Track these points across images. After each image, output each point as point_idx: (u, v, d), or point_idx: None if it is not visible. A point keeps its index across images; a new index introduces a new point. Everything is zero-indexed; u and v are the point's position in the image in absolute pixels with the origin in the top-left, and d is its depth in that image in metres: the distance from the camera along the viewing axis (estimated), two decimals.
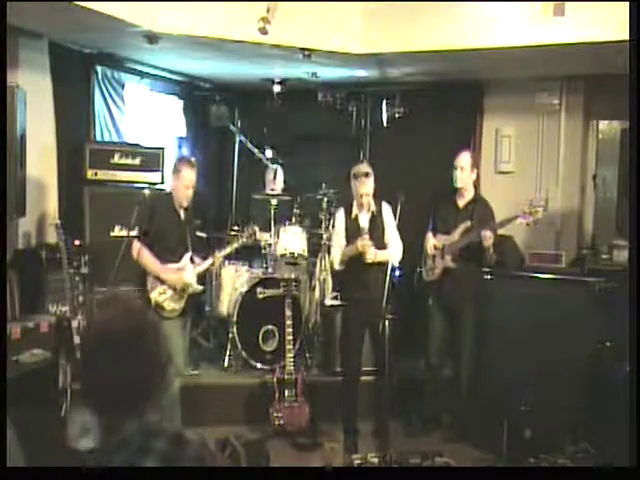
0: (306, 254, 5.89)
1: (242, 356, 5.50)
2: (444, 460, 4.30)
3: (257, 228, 4.90)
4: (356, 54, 5.38)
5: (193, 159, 4.70)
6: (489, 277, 4.91)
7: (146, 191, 4.66)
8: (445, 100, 6.57)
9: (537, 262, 5.21)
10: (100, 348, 1.46)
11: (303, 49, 5.27)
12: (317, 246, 6.00)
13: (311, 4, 5.14)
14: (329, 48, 5.30)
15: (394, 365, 4.54)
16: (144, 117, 6.63)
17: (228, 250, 4.77)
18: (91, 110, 5.92)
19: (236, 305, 5.52)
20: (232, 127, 6.67)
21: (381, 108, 6.89)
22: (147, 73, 6.54)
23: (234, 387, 5.34)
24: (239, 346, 5.49)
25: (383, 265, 4.49)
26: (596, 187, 6.31)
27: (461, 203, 5.00)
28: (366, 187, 4.63)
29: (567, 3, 4.62)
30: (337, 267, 4.83)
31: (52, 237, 4.97)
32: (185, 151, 7.15)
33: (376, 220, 4.68)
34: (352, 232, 4.68)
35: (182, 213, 4.55)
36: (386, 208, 4.77)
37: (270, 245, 5.82)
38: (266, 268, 5.84)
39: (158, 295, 4.36)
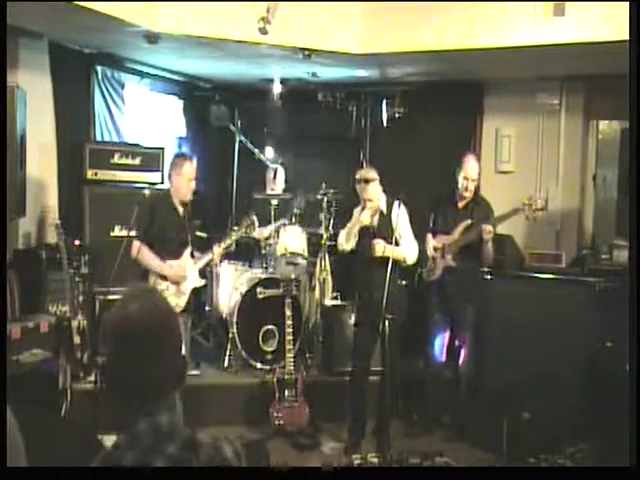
0: (306, 254, 5.89)
1: (242, 356, 5.50)
2: (444, 460, 4.31)
3: (255, 217, 4.89)
4: (356, 54, 5.38)
5: (189, 154, 4.72)
6: (489, 277, 4.91)
7: (146, 191, 4.66)
8: (445, 100, 6.57)
9: (537, 262, 5.21)
10: (128, 343, 1.43)
11: (303, 49, 5.27)
12: (317, 246, 6.00)
13: (311, 4, 5.14)
14: (329, 48, 5.30)
15: (395, 365, 4.54)
16: (144, 117, 6.63)
17: (228, 242, 4.78)
18: (91, 110, 5.93)
19: (236, 305, 5.52)
20: (232, 127, 6.67)
21: (381, 108, 6.89)
22: (147, 73, 6.55)
23: (234, 387, 5.34)
24: (239, 346, 5.48)
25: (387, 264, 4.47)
26: (596, 187, 6.31)
27: (461, 203, 5.00)
28: (368, 193, 4.61)
29: (567, 3, 4.62)
30: (343, 244, 4.78)
31: (52, 237, 4.97)
32: (188, 152, 7.14)
33: (385, 219, 4.66)
34: (362, 229, 4.67)
35: (181, 210, 4.57)
36: (398, 208, 4.64)
37: (270, 245, 5.82)
38: (266, 268, 5.84)
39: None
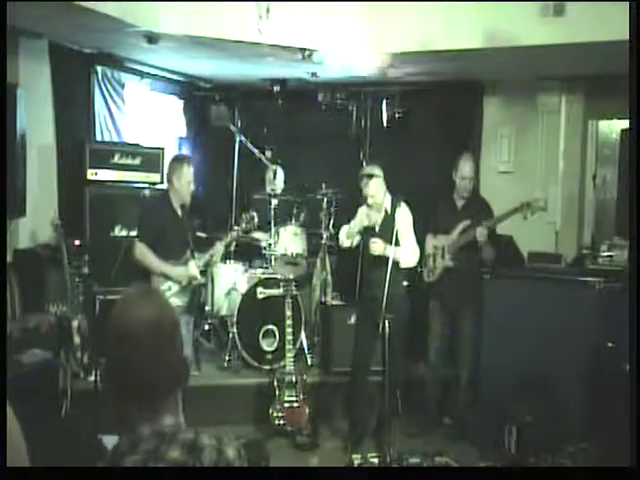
0: (306, 254, 5.89)
1: (242, 356, 5.50)
2: (444, 460, 4.31)
3: (255, 214, 4.90)
4: (357, 54, 5.37)
5: (187, 156, 4.73)
6: (489, 277, 4.91)
7: (146, 191, 4.67)
8: (445, 100, 6.58)
9: (537, 262, 5.20)
10: (131, 344, 1.41)
11: (303, 49, 5.27)
12: (317, 246, 6.00)
13: (311, 4, 5.14)
14: (329, 48, 5.29)
15: (395, 365, 4.54)
16: (144, 117, 6.62)
17: (228, 239, 4.80)
18: (91, 110, 5.92)
19: (236, 305, 5.53)
20: (232, 127, 6.67)
21: (381, 108, 6.89)
22: (147, 73, 6.54)
23: (234, 387, 5.34)
24: (239, 346, 5.49)
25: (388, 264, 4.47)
26: (596, 187, 6.30)
27: (460, 203, 5.01)
28: (369, 189, 4.61)
29: (567, 3, 4.62)
30: (343, 241, 4.80)
31: (52, 237, 4.97)
32: (185, 151, 7.15)
33: (388, 219, 4.66)
34: (365, 228, 4.68)
35: (180, 211, 4.59)
36: (400, 209, 4.62)
37: (270, 245, 5.82)
38: (266, 268, 5.84)
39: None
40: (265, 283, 5.57)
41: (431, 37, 5.07)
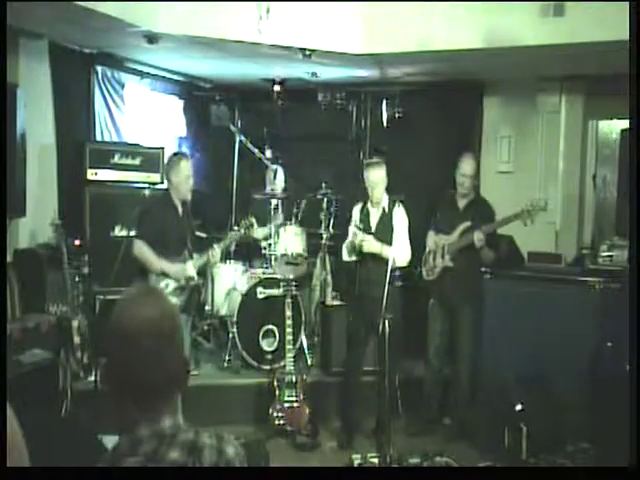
0: (306, 254, 5.89)
1: (242, 356, 5.50)
2: (444, 460, 4.31)
3: (254, 220, 4.91)
4: (356, 54, 5.37)
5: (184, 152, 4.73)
6: (489, 277, 4.91)
7: (146, 191, 4.67)
8: (445, 100, 6.57)
9: (537, 262, 5.20)
10: (131, 344, 1.40)
11: (303, 49, 5.27)
12: (317, 246, 6.00)
13: (311, 4, 5.14)
14: (329, 48, 5.30)
15: (395, 365, 4.54)
16: (144, 117, 6.62)
17: (227, 242, 4.80)
18: (91, 110, 5.92)
19: (236, 305, 5.53)
20: (232, 127, 6.67)
21: (381, 108, 6.89)
22: (147, 73, 6.54)
23: (234, 387, 5.34)
24: (239, 346, 5.49)
25: (386, 264, 4.48)
26: (596, 187, 6.30)
27: (461, 204, 5.01)
28: (372, 175, 4.66)
29: (567, 3, 4.62)
30: (345, 258, 4.85)
31: (52, 237, 4.97)
32: (185, 151, 7.14)
33: (385, 218, 4.68)
34: (362, 225, 4.71)
35: (180, 209, 4.60)
36: (398, 209, 4.69)
37: (270, 245, 5.82)
38: (266, 268, 5.84)
39: None
40: (265, 283, 5.57)
41: (431, 37, 5.07)
